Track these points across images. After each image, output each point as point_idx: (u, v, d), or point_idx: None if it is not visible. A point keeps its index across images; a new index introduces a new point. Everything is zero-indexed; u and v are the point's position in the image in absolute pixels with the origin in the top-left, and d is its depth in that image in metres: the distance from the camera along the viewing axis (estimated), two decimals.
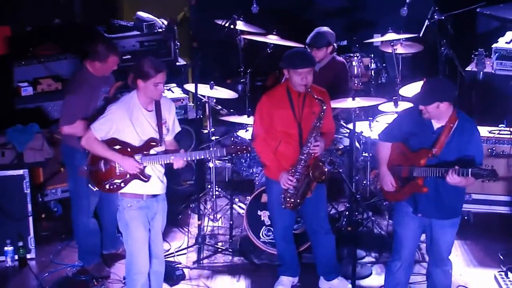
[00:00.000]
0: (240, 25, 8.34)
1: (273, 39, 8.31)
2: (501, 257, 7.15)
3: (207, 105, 8.04)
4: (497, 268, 7.06)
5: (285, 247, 6.84)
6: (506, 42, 8.45)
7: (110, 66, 6.80)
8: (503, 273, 6.93)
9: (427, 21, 8.36)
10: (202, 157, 6.14)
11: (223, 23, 8.00)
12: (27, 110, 8.32)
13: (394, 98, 7.70)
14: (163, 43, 8.78)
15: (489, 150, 7.50)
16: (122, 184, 5.99)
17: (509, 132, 7.57)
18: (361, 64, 8.77)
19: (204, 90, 7.75)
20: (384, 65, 9.27)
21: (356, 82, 8.68)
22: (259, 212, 7.25)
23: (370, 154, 7.67)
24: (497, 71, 8.42)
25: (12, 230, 7.28)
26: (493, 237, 7.59)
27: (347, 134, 7.67)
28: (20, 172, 7.31)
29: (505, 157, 7.53)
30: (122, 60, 8.24)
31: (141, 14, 9.01)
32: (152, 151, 5.97)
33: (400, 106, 7.55)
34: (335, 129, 6.86)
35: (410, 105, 5.98)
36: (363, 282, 6.98)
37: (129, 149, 5.95)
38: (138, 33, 8.86)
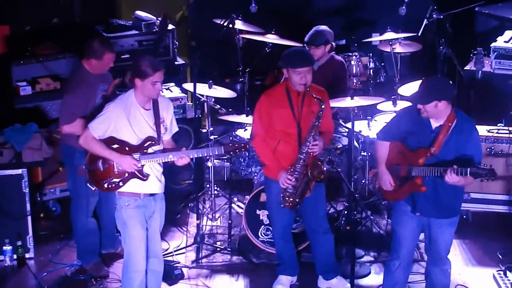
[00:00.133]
0: (239, 24, 8.34)
1: (271, 38, 8.31)
2: (500, 256, 7.15)
3: (205, 104, 8.03)
4: (495, 267, 7.06)
5: (284, 246, 6.83)
6: (505, 41, 8.45)
7: (107, 63, 6.80)
8: (501, 272, 6.94)
9: (425, 20, 8.36)
10: (200, 155, 6.14)
11: (221, 22, 8.00)
12: (25, 109, 8.31)
13: (392, 97, 7.70)
14: (158, 42, 8.77)
15: (488, 149, 7.50)
16: (121, 183, 5.99)
17: (507, 131, 7.57)
18: (359, 63, 8.76)
19: (202, 89, 7.75)
20: (382, 64, 9.27)
21: (354, 81, 8.68)
22: (257, 212, 7.25)
23: (369, 153, 7.67)
24: (495, 70, 8.41)
25: (10, 229, 7.28)
26: (492, 236, 7.59)
27: (345, 133, 7.66)
28: (19, 171, 7.31)
29: (503, 156, 7.53)
30: (121, 59, 8.27)
31: (140, 13, 9.00)
32: (150, 150, 5.97)
33: (398, 105, 7.55)
34: (334, 128, 6.85)
35: (409, 104, 5.98)
36: (361, 281, 6.98)
37: (127, 148, 5.95)
38: (137, 32, 8.85)
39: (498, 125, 7.70)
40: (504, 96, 8.35)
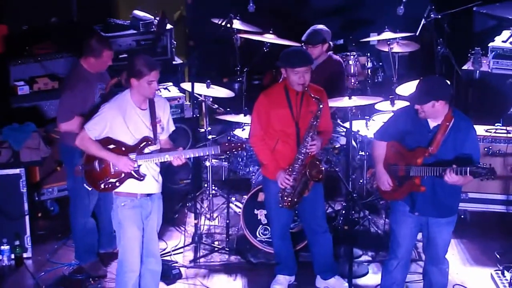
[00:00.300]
0: (237, 24, 8.34)
1: (269, 38, 8.32)
2: (498, 256, 7.15)
3: (203, 104, 8.03)
4: (493, 267, 7.06)
5: (282, 246, 6.83)
6: (503, 41, 8.46)
7: (105, 61, 6.79)
8: (499, 272, 6.94)
9: (423, 20, 8.37)
10: (197, 154, 6.13)
11: (219, 22, 7.99)
12: (23, 109, 8.31)
13: (390, 97, 7.70)
14: (157, 40, 8.77)
15: (486, 149, 7.50)
16: (117, 183, 5.98)
17: (505, 131, 7.58)
18: (357, 63, 8.76)
19: (200, 89, 7.75)
20: (380, 64, 9.26)
21: (352, 81, 8.67)
22: (255, 211, 7.25)
23: (367, 153, 7.67)
24: (493, 70, 8.42)
25: (8, 229, 7.26)
26: (490, 236, 7.59)
27: (343, 133, 7.66)
28: (17, 171, 7.30)
29: (501, 156, 7.54)
30: (119, 58, 8.27)
31: (138, 12, 9.00)
32: (146, 150, 5.96)
33: (396, 105, 7.56)
34: (332, 128, 6.85)
35: (406, 103, 5.98)
36: (359, 281, 6.98)
37: (123, 148, 5.94)
38: (135, 32, 8.85)
39: (496, 124, 7.70)
40: (502, 96, 8.36)
